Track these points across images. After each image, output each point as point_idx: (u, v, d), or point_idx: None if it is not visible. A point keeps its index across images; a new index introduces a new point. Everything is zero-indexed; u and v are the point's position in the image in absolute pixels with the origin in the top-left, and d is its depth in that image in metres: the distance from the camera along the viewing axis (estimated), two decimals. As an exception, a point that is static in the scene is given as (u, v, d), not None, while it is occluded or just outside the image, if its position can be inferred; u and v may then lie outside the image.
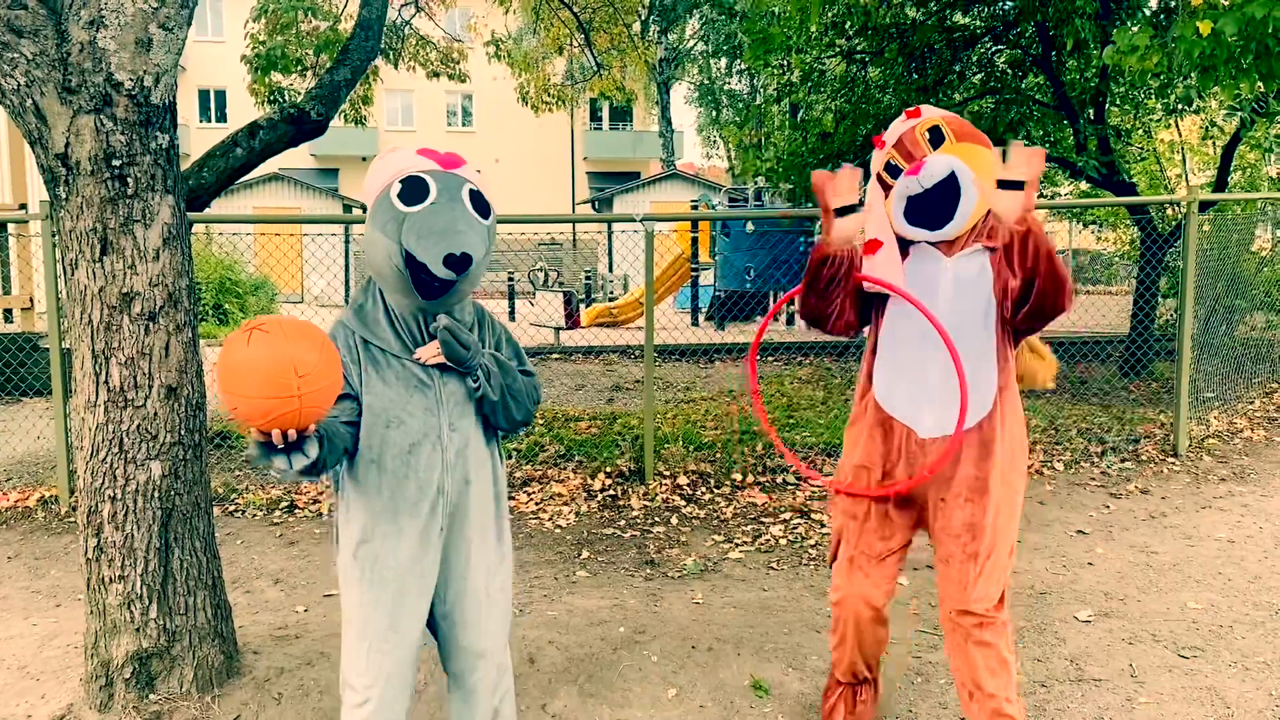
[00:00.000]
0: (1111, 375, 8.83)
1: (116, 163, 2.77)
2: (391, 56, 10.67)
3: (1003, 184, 2.19)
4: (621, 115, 36.18)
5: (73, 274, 2.86)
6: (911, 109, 2.45)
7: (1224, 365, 7.33)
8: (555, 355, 11.76)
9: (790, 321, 15.10)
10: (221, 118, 33.52)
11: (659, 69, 27.12)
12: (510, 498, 5.17)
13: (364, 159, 33.64)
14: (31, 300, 8.60)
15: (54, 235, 5.03)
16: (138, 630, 2.92)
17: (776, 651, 3.35)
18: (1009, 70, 9.41)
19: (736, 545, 4.55)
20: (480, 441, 2.20)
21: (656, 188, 27.24)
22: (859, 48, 9.42)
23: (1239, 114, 8.13)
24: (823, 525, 4.77)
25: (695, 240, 16.38)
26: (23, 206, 9.04)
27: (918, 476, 2.41)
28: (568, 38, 12.80)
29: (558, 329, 13.80)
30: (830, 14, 8.60)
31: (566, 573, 4.24)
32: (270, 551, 4.56)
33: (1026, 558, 4.28)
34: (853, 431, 2.58)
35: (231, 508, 5.20)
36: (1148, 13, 8.06)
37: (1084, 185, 10.74)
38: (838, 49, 9.46)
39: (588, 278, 19.00)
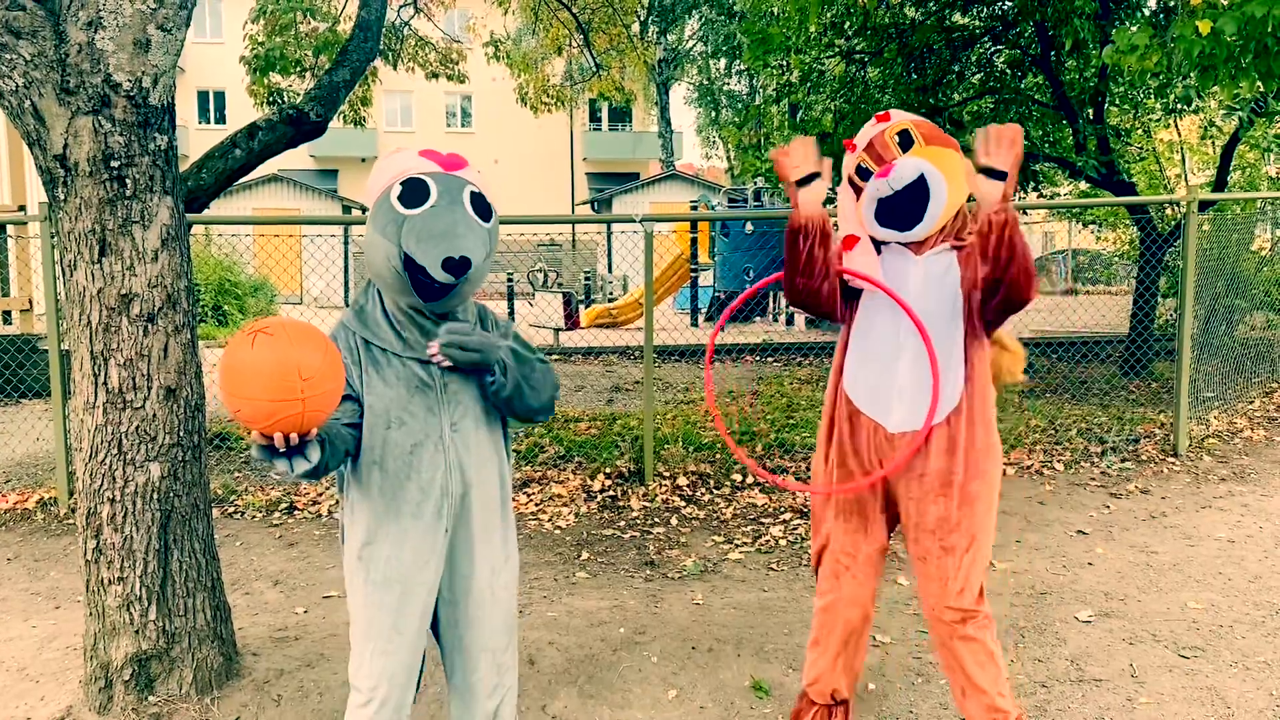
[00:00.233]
0: (1111, 375, 8.83)
1: (115, 164, 2.76)
2: (390, 57, 10.67)
3: (983, 170, 2.20)
4: (621, 116, 36.19)
5: (71, 275, 2.86)
6: (881, 113, 2.51)
7: (1224, 365, 7.33)
8: (555, 356, 11.76)
9: (790, 321, 15.11)
10: (220, 119, 33.52)
11: (658, 69, 27.14)
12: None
13: (363, 160, 33.65)
14: (30, 302, 8.60)
15: (53, 237, 5.02)
16: (137, 632, 2.92)
17: (777, 652, 3.35)
18: (1008, 70, 9.42)
19: (736, 546, 4.55)
20: (484, 441, 2.19)
21: (656, 188, 27.26)
22: (858, 48, 9.42)
23: (1237, 114, 8.13)
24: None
25: (694, 241, 16.39)
26: (21, 208, 9.03)
27: (876, 475, 2.45)
28: (567, 38, 12.80)
29: (557, 330, 13.80)
30: (829, 14, 8.60)
31: (566, 574, 4.23)
32: (269, 553, 4.55)
33: (1026, 557, 4.28)
34: (824, 426, 2.60)
35: (231, 509, 5.19)
36: (1147, 12, 8.07)
37: (1083, 185, 10.74)
38: (837, 49, 9.46)
39: (587, 278, 19.01)
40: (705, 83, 30.69)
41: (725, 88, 30.01)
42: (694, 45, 28.89)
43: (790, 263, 2.40)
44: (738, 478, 5.55)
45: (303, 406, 1.75)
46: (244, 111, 11.15)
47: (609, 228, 22.79)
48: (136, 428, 2.87)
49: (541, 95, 13.71)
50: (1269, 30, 4.24)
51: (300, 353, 1.75)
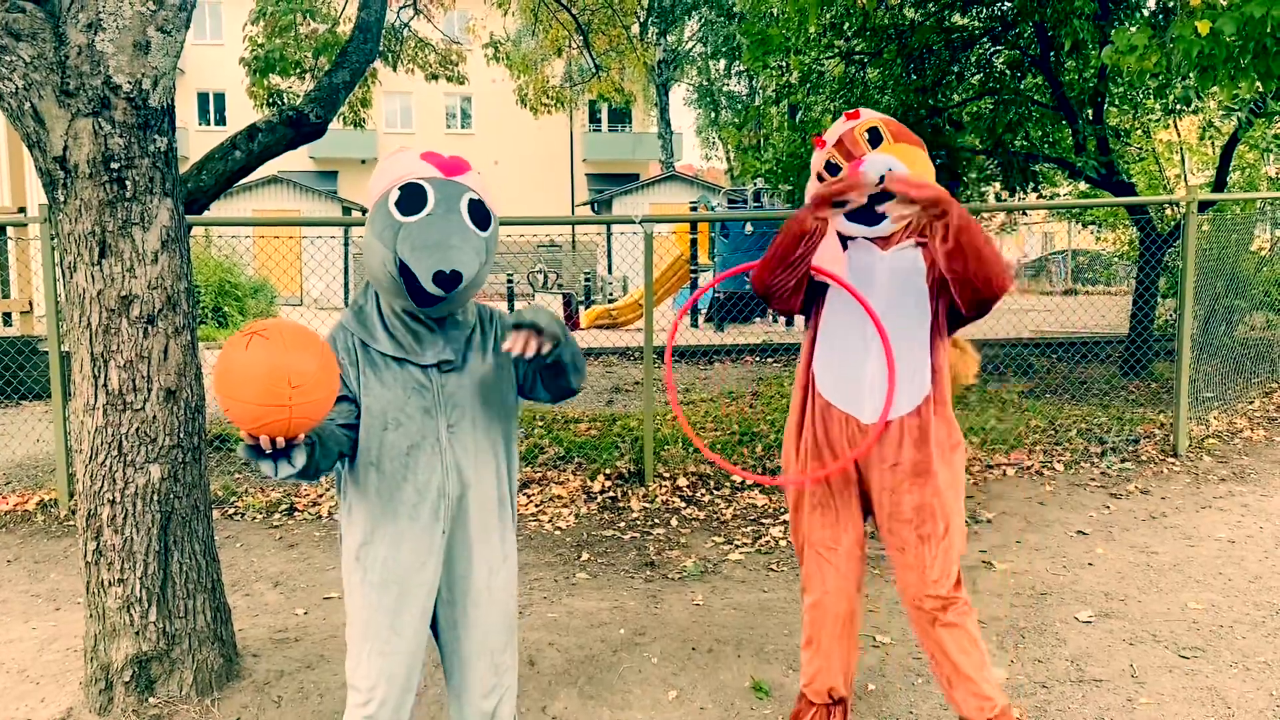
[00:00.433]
0: (1111, 375, 8.83)
1: (115, 166, 2.77)
2: (390, 59, 10.67)
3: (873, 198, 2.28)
4: (620, 117, 36.20)
5: (71, 277, 2.86)
6: (850, 111, 2.58)
7: (1223, 365, 7.33)
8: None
9: (790, 322, 15.10)
10: (220, 120, 33.54)
11: (658, 70, 27.15)
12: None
13: (363, 161, 33.67)
14: (30, 303, 8.60)
15: (52, 238, 5.03)
16: (137, 633, 2.92)
17: (777, 653, 3.35)
18: (1007, 71, 9.42)
19: (736, 547, 4.55)
20: (481, 442, 2.19)
21: (655, 189, 27.26)
22: (857, 49, 9.42)
23: (1236, 114, 8.14)
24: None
25: (694, 242, 16.39)
26: (21, 210, 9.04)
27: (839, 462, 2.49)
28: (566, 39, 12.80)
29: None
30: (829, 15, 8.61)
31: (566, 575, 4.23)
32: (270, 554, 4.55)
33: (1026, 558, 4.28)
34: (795, 421, 2.63)
35: (231, 510, 5.20)
36: (1146, 13, 8.07)
37: (1083, 185, 10.75)
38: (836, 50, 9.46)
39: (587, 280, 19.01)
40: (705, 84, 30.69)
41: (725, 89, 30.01)
42: (693, 46, 28.89)
43: (780, 256, 2.43)
44: (738, 479, 5.55)
45: (289, 413, 1.74)
46: (244, 113, 11.16)
47: (609, 229, 22.80)
48: (137, 429, 2.87)
49: (541, 96, 13.72)
50: (1268, 30, 4.24)
51: (293, 359, 1.75)
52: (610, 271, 22.84)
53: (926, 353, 2.45)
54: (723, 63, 27.47)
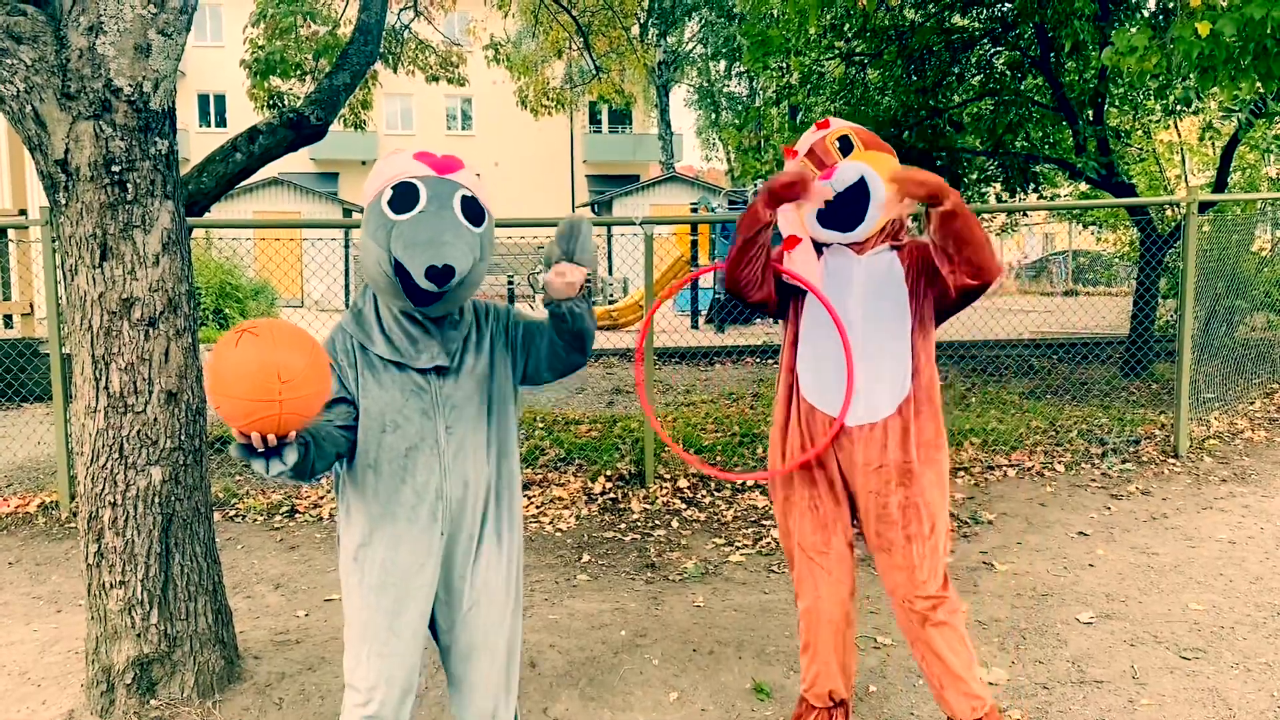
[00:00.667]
0: (1112, 376, 8.83)
1: (116, 168, 2.77)
2: (390, 61, 10.68)
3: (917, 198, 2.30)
4: (621, 118, 36.22)
5: (73, 279, 2.86)
6: (821, 120, 2.61)
7: (1224, 366, 7.33)
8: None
9: (790, 324, 15.06)
10: (221, 122, 33.56)
11: (658, 72, 27.16)
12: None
13: (363, 163, 33.68)
14: (31, 306, 8.61)
15: (54, 241, 5.03)
16: (139, 636, 2.92)
17: (778, 654, 3.35)
18: (1008, 72, 9.42)
19: (737, 548, 4.55)
20: (481, 442, 2.19)
21: (656, 190, 27.26)
22: (858, 50, 9.43)
23: (1236, 115, 8.14)
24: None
25: (695, 243, 16.39)
26: (22, 212, 9.04)
27: (807, 454, 2.51)
28: (566, 41, 12.81)
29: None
30: (829, 16, 8.61)
31: (567, 576, 4.24)
32: (271, 556, 4.56)
33: (1027, 559, 4.28)
34: (780, 425, 2.65)
35: (232, 512, 5.20)
36: (1146, 14, 8.07)
37: (1083, 186, 10.75)
38: (836, 51, 9.47)
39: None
40: (705, 85, 30.71)
41: (725, 90, 30.03)
42: (694, 47, 28.91)
43: (739, 248, 2.48)
44: (739, 480, 5.55)
45: (279, 408, 1.75)
46: (244, 114, 11.16)
47: (609, 230, 22.79)
48: (138, 432, 2.88)
49: (541, 98, 13.73)
50: (1268, 32, 4.24)
51: (282, 355, 1.76)
52: (610, 273, 22.84)
53: (907, 354, 2.48)
54: (723, 64, 27.51)
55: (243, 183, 5.48)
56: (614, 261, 23.24)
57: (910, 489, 2.47)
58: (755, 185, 15.93)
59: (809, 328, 2.55)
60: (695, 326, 15.68)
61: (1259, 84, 4.91)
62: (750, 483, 5.51)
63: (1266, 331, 8.27)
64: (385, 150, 32.75)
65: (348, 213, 24.87)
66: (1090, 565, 4.20)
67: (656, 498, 5.31)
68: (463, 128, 35.54)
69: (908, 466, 2.47)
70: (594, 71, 13.22)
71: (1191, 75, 4.98)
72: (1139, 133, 10.88)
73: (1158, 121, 10.61)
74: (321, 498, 5.38)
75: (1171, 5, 6.15)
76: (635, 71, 15.20)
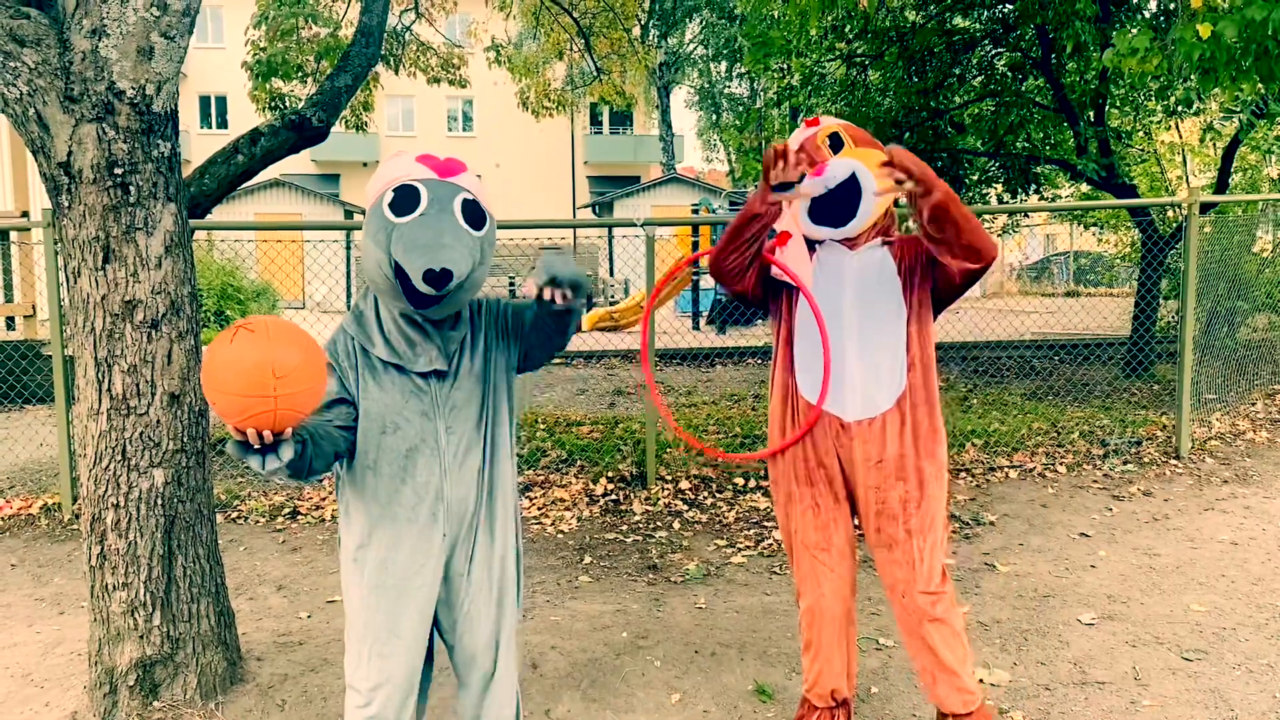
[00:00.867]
0: (1113, 377, 8.83)
1: (119, 171, 2.77)
2: (392, 62, 10.70)
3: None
4: (622, 120, 36.22)
5: (75, 282, 2.87)
6: (810, 119, 2.63)
7: (1226, 367, 7.33)
8: (556, 359, 11.77)
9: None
10: (222, 124, 33.59)
11: (659, 73, 27.17)
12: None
13: (365, 165, 33.70)
14: (33, 308, 8.62)
15: (56, 243, 5.04)
16: (141, 637, 2.92)
17: (780, 656, 3.35)
18: (1009, 73, 9.42)
19: (739, 550, 4.55)
20: (481, 443, 2.20)
21: (657, 192, 27.27)
22: (859, 51, 9.43)
23: (1237, 116, 8.13)
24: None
25: (696, 245, 16.38)
26: (25, 214, 9.06)
27: (790, 438, 2.53)
28: (568, 43, 12.82)
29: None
30: (830, 18, 8.61)
31: (569, 578, 4.24)
32: (273, 558, 4.56)
33: (1029, 560, 4.28)
34: (778, 424, 2.65)
35: (234, 514, 5.20)
36: (1147, 15, 8.08)
37: (1085, 187, 10.75)
38: (838, 52, 9.48)
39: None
40: (706, 86, 30.69)
41: (726, 91, 30.01)
42: (695, 49, 28.90)
43: (731, 239, 2.50)
44: (740, 481, 5.56)
45: (274, 404, 1.76)
46: (245, 116, 11.17)
47: (610, 231, 22.81)
48: (140, 434, 2.88)
49: (543, 99, 13.74)
50: (1269, 33, 4.24)
51: (277, 351, 1.77)
52: (612, 274, 22.85)
53: (902, 348, 2.48)
54: (724, 65, 27.49)
55: (244, 185, 5.48)
56: (615, 263, 23.25)
57: (910, 483, 2.48)
58: (756, 187, 15.97)
59: (805, 325, 2.55)
60: (696, 328, 15.69)
61: (1260, 85, 4.91)
62: (751, 484, 5.51)
63: (1268, 332, 8.27)
64: (387, 152, 32.80)
65: (349, 214, 24.89)
66: (1092, 566, 4.20)
67: (658, 499, 5.31)
68: (464, 129, 35.55)
69: (906, 461, 2.48)
70: (595, 73, 13.22)
71: (1193, 76, 4.98)
72: (1140, 134, 10.88)
73: (1159, 122, 10.61)
74: (324, 499, 5.38)
75: (1173, 7, 6.15)
76: (636, 73, 15.20)
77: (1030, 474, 5.70)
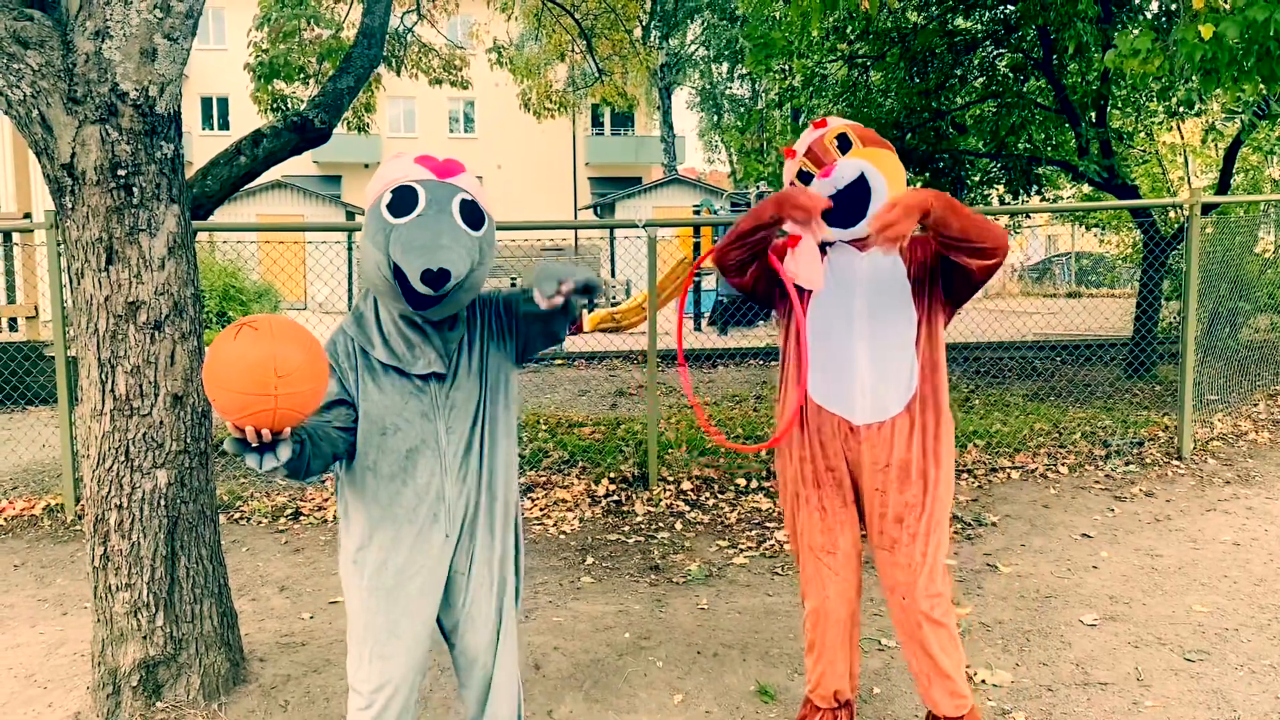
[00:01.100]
0: (1115, 378, 8.83)
1: (122, 172, 2.78)
2: (394, 64, 10.71)
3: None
4: (623, 121, 36.23)
5: (78, 283, 2.87)
6: (818, 120, 2.62)
7: (1228, 368, 7.32)
8: (558, 360, 11.77)
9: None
10: (224, 125, 33.63)
11: (660, 74, 27.17)
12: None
13: (366, 166, 33.73)
14: (36, 309, 8.63)
15: (59, 244, 5.05)
16: (144, 638, 2.93)
17: (782, 657, 3.35)
18: (1010, 74, 9.43)
19: (741, 550, 4.55)
20: (481, 443, 2.20)
21: (658, 193, 27.30)
22: (860, 52, 9.44)
23: (1238, 117, 8.13)
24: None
25: (698, 245, 16.38)
26: (27, 215, 9.07)
27: (775, 437, 2.53)
28: (569, 44, 12.83)
29: (560, 334, 13.77)
30: (831, 19, 8.62)
31: (571, 578, 4.24)
32: (276, 559, 4.56)
33: (1031, 561, 4.28)
34: (784, 424, 2.63)
35: (237, 515, 5.21)
36: (1149, 16, 8.08)
37: (1086, 188, 10.74)
38: (839, 53, 9.48)
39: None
40: (707, 87, 30.71)
41: (727, 92, 30.02)
42: (696, 50, 28.92)
43: (740, 235, 2.49)
44: (742, 482, 5.56)
45: (275, 403, 1.76)
46: (247, 117, 11.19)
47: (611, 233, 22.82)
48: (143, 435, 2.89)
49: (544, 101, 13.76)
50: (1271, 34, 4.24)
51: (280, 350, 1.76)
52: (613, 275, 22.85)
53: (912, 350, 2.48)
54: (725, 66, 27.50)
55: (246, 186, 5.49)
56: (617, 264, 23.26)
57: (914, 485, 2.48)
58: (758, 188, 15.96)
59: (816, 330, 2.54)
60: (698, 329, 15.69)
61: (1262, 86, 4.91)
62: (754, 485, 5.51)
63: (1270, 333, 8.26)
64: (388, 153, 32.80)
65: (351, 215, 24.91)
66: (1094, 567, 4.20)
67: (660, 500, 5.31)
68: (465, 130, 35.58)
69: (913, 465, 2.47)
70: (596, 74, 13.24)
71: (1194, 77, 4.98)
72: (1142, 135, 10.88)
73: (1160, 123, 10.61)
74: (326, 500, 5.39)
75: (1174, 7, 6.15)
76: (637, 74, 15.22)
77: (1032, 475, 5.70)
